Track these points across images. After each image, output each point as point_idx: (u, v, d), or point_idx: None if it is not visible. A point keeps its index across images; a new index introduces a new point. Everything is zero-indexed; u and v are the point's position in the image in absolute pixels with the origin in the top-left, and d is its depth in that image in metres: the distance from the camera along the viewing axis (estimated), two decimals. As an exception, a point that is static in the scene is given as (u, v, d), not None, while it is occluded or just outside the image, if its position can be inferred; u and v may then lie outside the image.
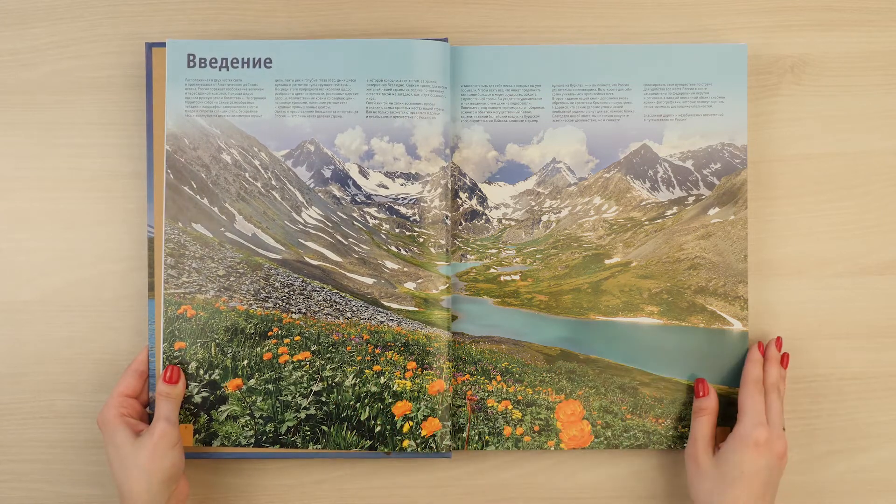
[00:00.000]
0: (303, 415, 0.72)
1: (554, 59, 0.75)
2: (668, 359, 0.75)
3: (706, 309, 0.74)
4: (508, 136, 0.76)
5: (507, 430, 0.73)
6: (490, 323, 0.75)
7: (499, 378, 0.74)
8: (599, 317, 0.76)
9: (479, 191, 0.77)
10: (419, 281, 0.75)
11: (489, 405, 0.74)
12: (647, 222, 0.76)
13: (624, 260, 0.76)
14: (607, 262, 0.76)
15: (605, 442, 0.74)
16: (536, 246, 0.77)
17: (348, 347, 0.74)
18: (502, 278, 0.76)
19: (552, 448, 0.73)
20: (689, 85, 0.74)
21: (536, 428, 0.73)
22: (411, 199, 0.75)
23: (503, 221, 0.78)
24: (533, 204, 0.78)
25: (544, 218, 0.78)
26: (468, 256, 0.77)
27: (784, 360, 0.72)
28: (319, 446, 0.72)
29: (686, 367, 0.74)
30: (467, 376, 0.74)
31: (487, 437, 0.73)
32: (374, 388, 0.73)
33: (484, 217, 0.77)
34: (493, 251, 0.77)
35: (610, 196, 0.77)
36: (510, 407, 0.74)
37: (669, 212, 0.76)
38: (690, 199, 0.76)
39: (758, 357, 0.72)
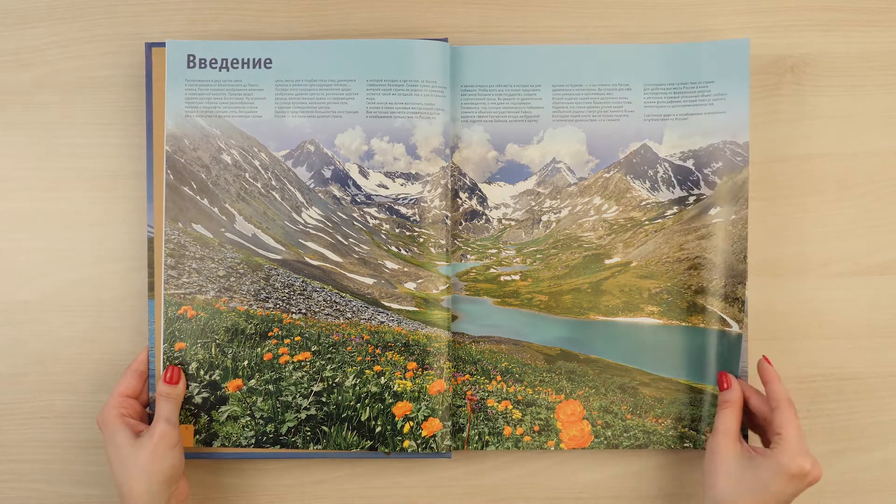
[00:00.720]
0: (303, 415, 0.72)
1: (554, 59, 0.75)
2: (668, 359, 0.74)
3: (707, 309, 0.74)
4: (508, 136, 0.76)
5: (508, 430, 0.73)
6: (490, 323, 0.75)
7: (499, 378, 0.74)
8: (599, 317, 0.76)
9: (479, 191, 0.77)
10: (419, 281, 0.75)
11: (489, 405, 0.74)
12: (647, 222, 0.76)
13: (624, 260, 0.76)
14: (607, 262, 0.76)
15: (606, 442, 0.74)
16: (536, 246, 0.77)
17: (349, 348, 0.74)
18: (502, 278, 0.76)
19: (552, 448, 0.73)
20: (689, 84, 0.74)
21: (536, 428, 0.73)
22: (411, 199, 0.75)
23: (503, 221, 0.78)
24: (533, 204, 0.78)
25: (544, 218, 0.78)
26: (468, 256, 0.77)
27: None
28: (320, 447, 0.72)
29: (686, 366, 0.74)
30: (467, 376, 0.74)
31: (487, 437, 0.73)
32: (374, 389, 0.73)
33: (484, 217, 0.77)
34: (493, 251, 0.77)
35: (610, 196, 0.77)
36: (510, 407, 0.74)
37: (670, 212, 0.76)
38: (691, 199, 0.75)
39: (777, 373, 0.70)
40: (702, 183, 0.75)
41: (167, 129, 0.73)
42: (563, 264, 0.76)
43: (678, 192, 0.76)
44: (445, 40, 0.74)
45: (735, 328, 0.73)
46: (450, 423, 0.73)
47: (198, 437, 0.72)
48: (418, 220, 0.75)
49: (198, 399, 0.72)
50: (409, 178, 0.75)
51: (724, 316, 0.73)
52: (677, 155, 0.75)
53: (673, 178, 0.76)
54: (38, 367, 0.76)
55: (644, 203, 0.77)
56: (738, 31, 0.77)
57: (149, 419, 0.71)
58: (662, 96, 0.74)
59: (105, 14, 0.77)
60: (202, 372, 0.73)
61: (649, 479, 0.76)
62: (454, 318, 0.75)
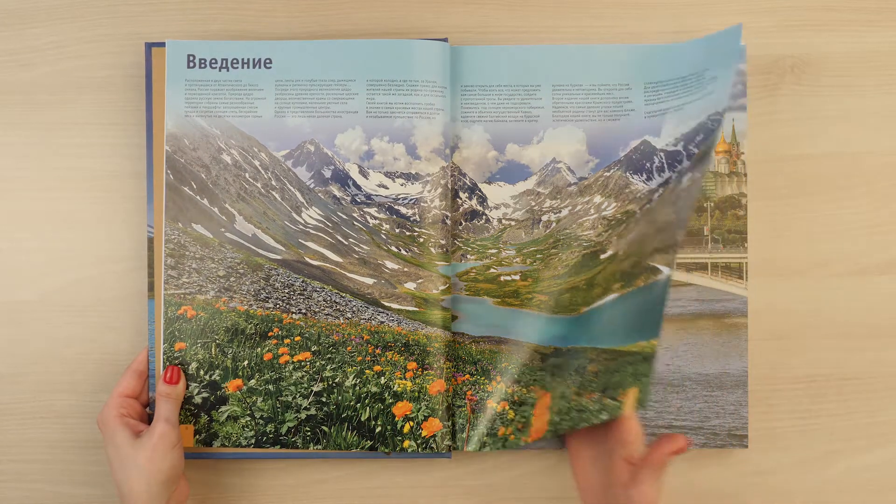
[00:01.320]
0: (303, 415, 0.72)
1: (554, 59, 0.75)
2: (610, 329, 0.71)
3: (649, 267, 0.69)
4: (508, 136, 0.76)
5: (501, 431, 0.73)
6: (490, 323, 0.75)
7: (498, 378, 0.74)
8: (585, 308, 0.74)
9: (479, 191, 0.77)
10: (419, 281, 0.75)
11: (489, 406, 0.74)
12: (637, 211, 0.76)
13: (615, 251, 0.75)
14: (602, 256, 0.75)
15: (553, 429, 0.70)
16: (536, 246, 0.77)
17: (349, 348, 0.74)
18: (502, 278, 0.76)
19: (524, 444, 0.72)
20: (689, 76, 0.73)
21: (520, 426, 0.73)
22: (411, 199, 0.75)
23: (503, 221, 0.78)
24: (533, 204, 0.78)
25: (544, 218, 0.78)
26: (468, 256, 0.77)
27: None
28: (320, 447, 0.72)
29: (620, 332, 0.70)
30: (467, 376, 0.74)
31: (486, 437, 0.73)
32: (374, 389, 0.73)
33: (484, 217, 0.77)
34: (494, 251, 0.77)
35: (609, 194, 0.77)
36: (507, 407, 0.74)
37: (656, 195, 0.75)
38: (674, 175, 0.74)
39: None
40: (684, 159, 0.73)
41: (167, 129, 0.73)
42: (562, 264, 0.76)
43: (665, 175, 0.75)
44: (445, 40, 0.74)
45: (665, 272, 0.67)
46: (450, 424, 0.73)
47: (198, 437, 0.72)
48: (418, 220, 0.75)
49: (198, 399, 0.72)
50: (409, 178, 0.75)
51: (660, 265, 0.68)
52: (671, 142, 0.74)
53: (665, 165, 0.75)
54: (38, 367, 0.76)
55: (639, 195, 0.76)
56: (738, 31, 0.77)
57: (149, 419, 0.71)
58: (663, 92, 0.74)
59: (105, 14, 0.77)
60: (202, 372, 0.73)
61: (649, 479, 0.76)
62: (454, 318, 0.75)
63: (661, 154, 0.75)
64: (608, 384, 0.69)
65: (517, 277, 0.76)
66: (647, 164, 0.76)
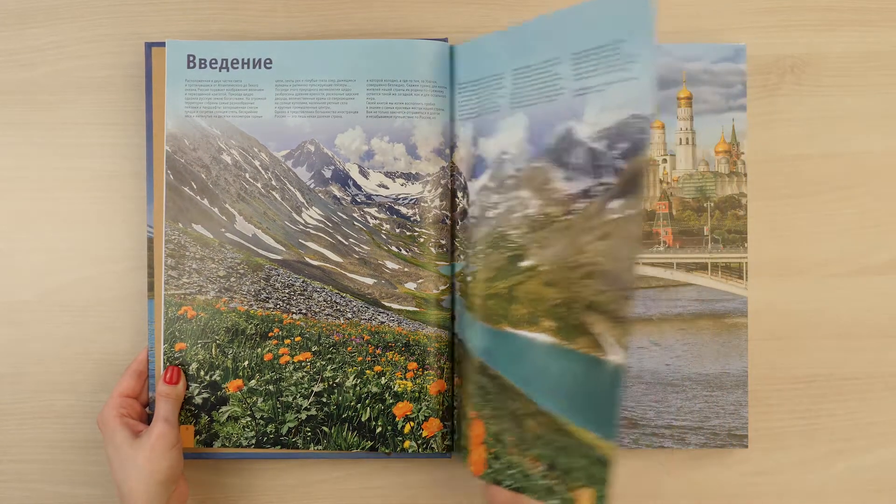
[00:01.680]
0: (303, 416, 0.72)
1: (511, 42, 0.68)
2: (551, 388, 0.63)
3: (591, 329, 0.61)
4: (482, 131, 0.72)
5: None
6: (465, 325, 0.73)
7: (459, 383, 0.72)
8: (508, 327, 0.68)
9: (467, 189, 0.75)
10: (419, 281, 0.75)
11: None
12: (558, 218, 0.66)
13: (536, 262, 0.67)
14: (521, 264, 0.68)
15: (492, 475, 0.66)
16: (482, 245, 0.72)
17: (349, 348, 0.74)
18: (468, 279, 0.73)
19: (470, 468, 0.69)
20: (605, 47, 0.61)
21: (464, 443, 0.70)
22: (411, 199, 0.75)
23: (471, 220, 0.74)
24: (485, 200, 0.72)
25: (488, 214, 0.71)
26: (462, 256, 0.76)
27: None
28: (320, 447, 0.72)
29: (566, 402, 0.62)
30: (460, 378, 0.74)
31: (462, 442, 0.72)
32: (374, 389, 0.73)
33: (468, 216, 0.76)
34: (470, 251, 0.75)
35: (535, 189, 0.68)
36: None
37: (578, 205, 0.64)
38: (598, 189, 0.62)
39: None
40: (608, 169, 0.62)
41: (167, 129, 0.73)
42: (493, 266, 0.70)
43: (587, 182, 0.63)
44: (445, 40, 0.74)
45: (616, 357, 0.58)
46: (450, 424, 0.73)
47: (198, 437, 0.72)
48: (418, 220, 0.75)
49: (198, 399, 0.72)
50: (410, 178, 0.75)
51: (608, 338, 0.59)
52: (593, 136, 0.63)
53: (586, 164, 0.65)
54: (38, 367, 0.76)
55: (558, 196, 0.66)
56: (737, 31, 0.77)
57: (148, 419, 0.71)
58: (586, 65, 0.62)
59: (105, 14, 0.77)
60: (202, 372, 0.73)
61: (651, 480, 0.76)
62: (454, 318, 0.75)
63: (582, 149, 0.64)
64: (556, 463, 0.62)
65: (470, 279, 0.72)
66: (568, 159, 0.65)
